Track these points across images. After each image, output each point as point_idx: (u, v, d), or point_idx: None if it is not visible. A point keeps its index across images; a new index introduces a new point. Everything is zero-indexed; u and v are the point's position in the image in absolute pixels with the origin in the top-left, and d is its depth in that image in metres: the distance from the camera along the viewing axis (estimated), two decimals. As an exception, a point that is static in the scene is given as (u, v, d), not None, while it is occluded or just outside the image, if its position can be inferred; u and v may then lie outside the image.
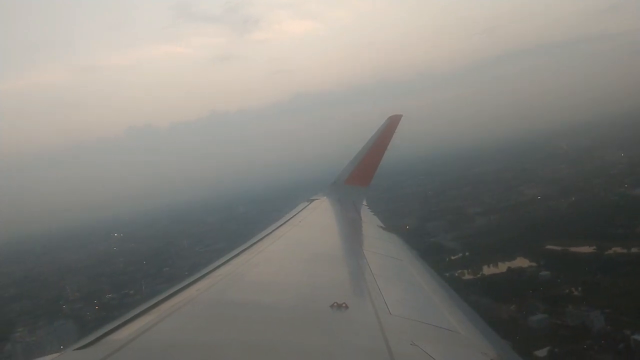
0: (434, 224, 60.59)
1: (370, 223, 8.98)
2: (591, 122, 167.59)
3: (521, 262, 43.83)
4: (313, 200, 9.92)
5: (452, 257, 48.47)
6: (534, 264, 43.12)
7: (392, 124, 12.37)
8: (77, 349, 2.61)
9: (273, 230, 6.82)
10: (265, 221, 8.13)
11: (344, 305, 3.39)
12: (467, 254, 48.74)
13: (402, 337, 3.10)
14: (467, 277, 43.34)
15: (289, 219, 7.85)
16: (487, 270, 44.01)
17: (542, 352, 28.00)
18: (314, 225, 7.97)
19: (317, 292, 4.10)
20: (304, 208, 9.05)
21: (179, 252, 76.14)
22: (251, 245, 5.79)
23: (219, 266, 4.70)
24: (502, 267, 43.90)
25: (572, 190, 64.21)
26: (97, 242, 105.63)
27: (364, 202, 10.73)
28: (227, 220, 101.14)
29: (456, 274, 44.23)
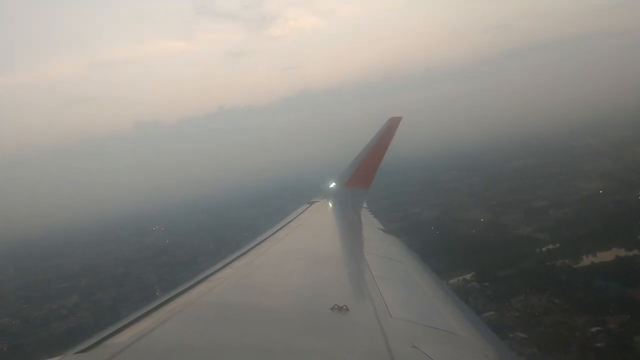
0: (508, 217, 62.76)
1: (370, 225, 9.07)
2: (607, 120, 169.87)
3: (619, 252, 46.17)
4: (313, 202, 10.02)
5: (550, 247, 51.16)
6: (636, 252, 45.59)
7: (391, 126, 12.35)
8: (78, 352, 2.65)
9: (273, 233, 6.95)
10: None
11: (344, 307, 3.46)
12: (557, 245, 51.39)
13: (403, 340, 3.12)
14: (575, 265, 45.59)
15: (289, 222, 7.95)
16: (588, 259, 46.47)
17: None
18: (314, 228, 8.03)
19: (317, 294, 4.15)
20: (304, 210, 9.16)
21: (240, 244, 77.42)
22: (252, 248, 5.88)
23: (219, 269, 4.79)
24: (602, 256, 45.99)
25: (634, 185, 66.72)
26: (138, 236, 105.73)
27: (364, 205, 10.90)
28: (268, 213, 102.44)
29: (558, 264, 47.06)
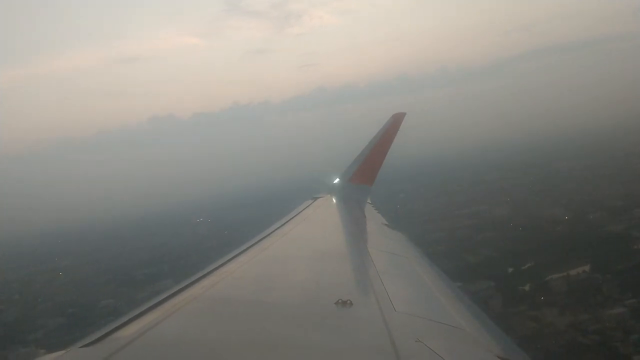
0: (592, 215, 64.05)
1: (374, 221, 9.12)
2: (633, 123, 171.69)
3: None
4: (317, 198, 10.11)
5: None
6: None
7: (395, 122, 12.46)
8: (83, 346, 2.67)
9: (277, 228, 6.99)
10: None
11: (348, 302, 3.49)
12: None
13: (407, 334, 3.14)
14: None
15: (293, 217, 7.99)
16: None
17: None
18: (318, 223, 8.12)
19: (321, 289, 4.21)
20: (308, 206, 9.25)
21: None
22: (256, 243, 5.90)
23: (223, 264, 4.80)
24: None
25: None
26: (185, 228, 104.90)
27: (369, 200, 10.99)
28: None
29: (663, 258, 49.70)
